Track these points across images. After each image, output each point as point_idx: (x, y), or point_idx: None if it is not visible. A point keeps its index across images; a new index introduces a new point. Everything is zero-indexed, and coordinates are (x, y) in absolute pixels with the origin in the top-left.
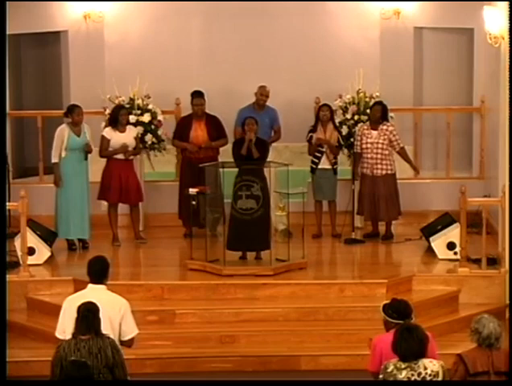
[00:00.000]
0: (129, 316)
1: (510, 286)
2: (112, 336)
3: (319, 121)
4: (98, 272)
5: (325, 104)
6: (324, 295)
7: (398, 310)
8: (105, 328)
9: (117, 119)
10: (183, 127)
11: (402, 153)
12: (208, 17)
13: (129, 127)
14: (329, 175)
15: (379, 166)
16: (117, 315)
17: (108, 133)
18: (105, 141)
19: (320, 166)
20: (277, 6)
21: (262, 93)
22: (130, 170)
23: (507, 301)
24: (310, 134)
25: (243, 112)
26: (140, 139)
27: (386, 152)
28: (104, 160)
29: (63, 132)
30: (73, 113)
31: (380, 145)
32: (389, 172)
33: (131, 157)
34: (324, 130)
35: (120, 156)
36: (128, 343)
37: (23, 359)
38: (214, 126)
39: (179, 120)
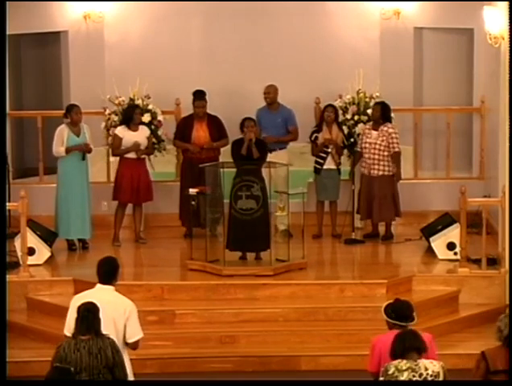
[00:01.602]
0: (134, 318)
1: (510, 286)
2: (115, 337)
3: (323, 121)
4: (107, 272)
5: (330, 105)
6: (324, 295)
7: (396, 311)
8: (109, 329)
9: (131, 117)
10: (184, 127)
11: (394, 158)
12: (208, 17)
13: (141, 127)
14: (334, 175)
15: (376, 167)
16: (121, 317)
17: (120, 131)
18: (117, 140)
19: (325, 167)
20: (277, 6)
21: (269, 92)
22: (142, 169)
23: (507, 302)
24: (315, 135)
25: (258, 112)
26: None
27: (385, 153)
28: (103, 160)
29: (62, 132)
30: (71, 112)
31: (377, 146)
32: (386, 173)
33: (143, 156)
34: (329, 131)
35: (131, 155)
36: (132, 346)
37: (23, 359)
38: (216, 127)
39: (179, 120)
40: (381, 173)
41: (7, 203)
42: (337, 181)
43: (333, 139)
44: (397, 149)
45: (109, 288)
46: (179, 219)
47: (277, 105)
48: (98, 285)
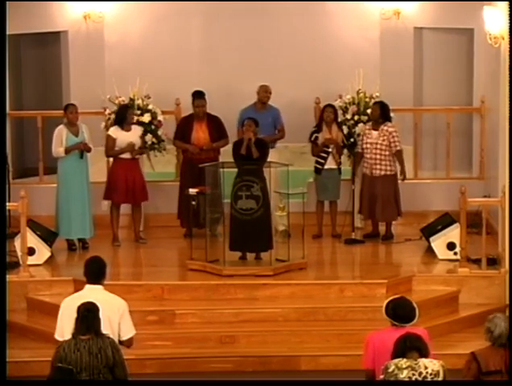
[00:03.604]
0: (127, 316)
1: (510, 286)
2: (111, 336)
3: (323, 121)
4: (95, 272)
5: (329, 105)
6: (324, 295)
7: (395, 308)
8: (105, 328)
9: (125, 118)
10: (184, 127)
11: (398, 156)
12: (208, 17)
13: (134, 126)
14: (335, 175)
15: (378, 167)
16: (116, 315)
17: (114, 132)
18: (110, 141)
19: (326, 166)
20: (277, 6)
21: (267, 90)
22: (136, 169)
23: (507, 302)
24: (314, 135)
25: (245, 112)
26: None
27: (386, 152)
28: (103, 160)
29: (61, 132)
30: (67, 111)
31: (379, 146)
32: (388, 173)
33: (137, 156)
34: (329, 130)
35: (126, 155)
36: (127, 343)
37: (23, 359)
38: (215, 127)
39: (179, 120)
40: (383, 173)
41: (7, 203)
42: (338, 181)
43: (334, 139)
44: (399, 148)
45: (99, 287)
46: (178, 218)
47: (266, 105)
48: (87, 286)
